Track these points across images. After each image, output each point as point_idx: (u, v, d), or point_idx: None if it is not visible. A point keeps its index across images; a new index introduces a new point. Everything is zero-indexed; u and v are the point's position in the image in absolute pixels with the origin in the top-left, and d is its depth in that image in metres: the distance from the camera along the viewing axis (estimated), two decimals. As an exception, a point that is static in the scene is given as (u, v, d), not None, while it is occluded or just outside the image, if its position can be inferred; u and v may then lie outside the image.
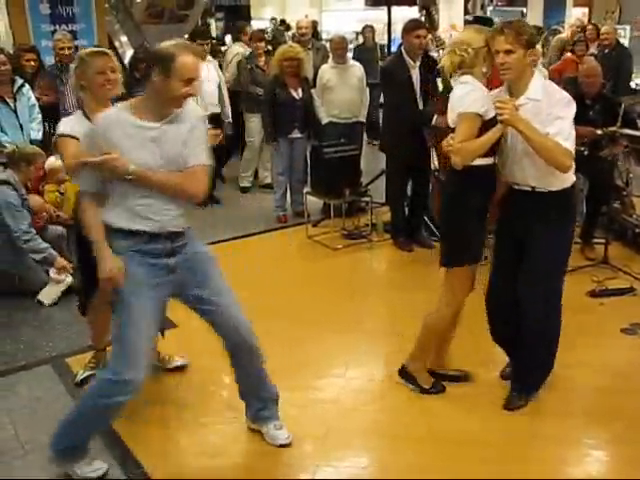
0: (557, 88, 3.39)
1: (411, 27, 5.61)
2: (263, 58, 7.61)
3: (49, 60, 7.07)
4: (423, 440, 3.37)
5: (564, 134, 3.17)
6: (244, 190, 7.96)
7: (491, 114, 3.20)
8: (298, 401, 3.71)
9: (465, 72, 3.31)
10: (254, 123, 7.58)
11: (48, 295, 4.99)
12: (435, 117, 5.43)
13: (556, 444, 3.31)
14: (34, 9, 7.99)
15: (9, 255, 5.03)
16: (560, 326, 3.54)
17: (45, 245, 5.00)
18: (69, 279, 5.01)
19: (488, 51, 3.29)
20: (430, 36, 5.77)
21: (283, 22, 17.54)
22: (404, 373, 3.81)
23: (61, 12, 8.16)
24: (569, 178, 3.33)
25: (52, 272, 5.05)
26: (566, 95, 3.29)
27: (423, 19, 5.88)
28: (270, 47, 8.09)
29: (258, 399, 3.39)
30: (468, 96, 3.24)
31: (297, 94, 6.58)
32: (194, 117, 2.98)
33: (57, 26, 8.02)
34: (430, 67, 5.64)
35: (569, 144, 3.18)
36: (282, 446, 3.33)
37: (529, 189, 3.35)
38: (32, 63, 6.44)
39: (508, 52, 3.16)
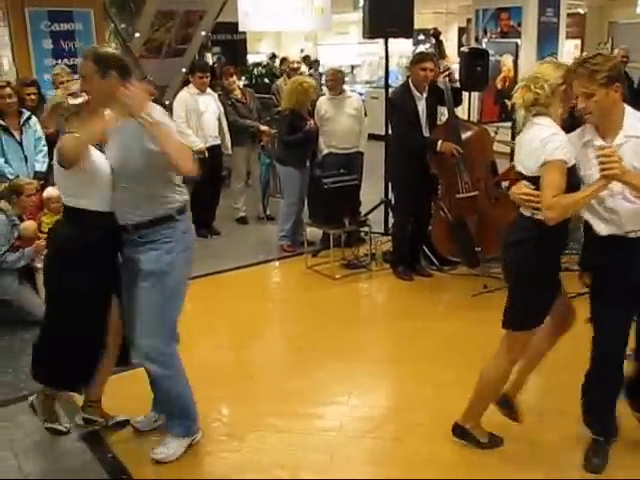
0: None
1: (417, 60, 5.76)
2: (238, 91, 7.71)
3: (51, 94, 7.14)
4: (426, 467, 3.37)
5: None
6: (240, 221, 8.00)
7: (572, 161, 2.94)
8: (301, 428, 3.72)
9: (540, 112, 3.01)
10: (239, 156, 7.69)
11: None
12: (440, 142, 5.52)
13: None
14: (37, 44, 8.13)
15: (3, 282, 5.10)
16: None
17: (16, 254, 5.08)
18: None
19: (565, 89, 2.99)
20: (444, 64, 5.86)
21: (274, 56, 17.75)
22: (459, 431, 3.50)
23: (63, 47, 8.30)
24: None
25: (37, 261, 5.11)
26: None
27: (432, 48, 5.99)
28: (267, 80, 8.21)
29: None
30: (552, 141, 2.91)
31: (311, 124, 6.70)
32: None
33: (59, 60, 8.14)
34: (438, 98, 5.76)
35: None
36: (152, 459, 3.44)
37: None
38: (32, 97, 6.48)
39: (588, 96, 2.87)
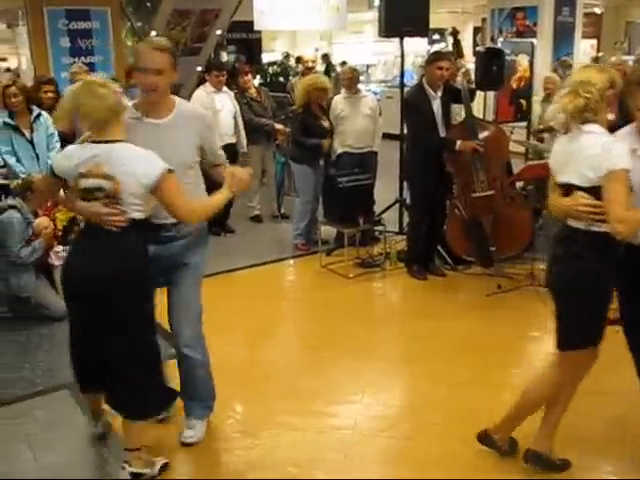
0: None
1: (433, 59, 5.77)
2: (253, 90, 7.73)
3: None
4: (440, 467, 3.37)
5: None
6: (255, 220, 8.02)
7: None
8: (315, 426, 3.73)
9: (589, 119, 2.87)
10: (254, 154, 7.71)
11: None
12: (458, 142, 5.52)
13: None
14: (55, 43, 8.22)
15: (21, 279, 5.15)
16: None
17: (28, 249, 5.10)
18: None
19: (612, 94, 2.92)
20: (460, 64, 5.86)
21: (288, 56, 17.81)
22: (532, 456, 3.29)
23: (80, 45, 8.39)
24: None
25: (54, 259, 5.14)
26: None
27: (447, 47, 6.00)
28: (281, 79, 8.23)
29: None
30: (614, 148, 2.79)
31: (325, 122, 6.71)
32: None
33: (76, 59, 8.24)
34: (453, 97, 5.77)
35: None
36: (183, 444, 3.52)
37: None
38: (50, 94, 6.53)
39: None
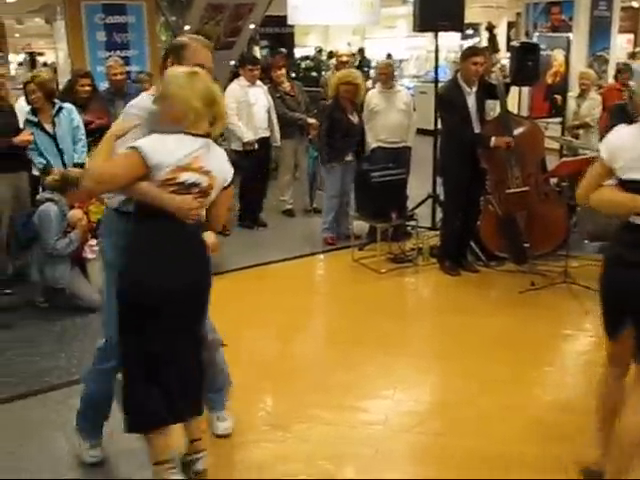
0: None
1: (468, 54, 5.75)
2: (287, 84, 7.74)
3: (103, 85, 7.29)
4: (470, 465, 3.34)
5: None
6: (287, 214, 8.05)
7: None
8: (346, 421, 3.73)
9: None
10: (287, 148, 7.74)
11: None
12: (493, 139, 5.49)
13: None
14: (92, 37, 8.34)
15: (56, 271, 5.23)
16: None
17: (65, 240, 5.16)
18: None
19: None
20: (496, 59, 5.82)
21: (320, 50, 17.83)
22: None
23: (116, 39, 8.49)
24: None
25: (88, 252, 5.20)
26: None
27: (484, 42, 5.97)
28: (314, 73, 8.23)
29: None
30: None
31: (354, 118, 6.69)
32: None
33: (112, 52, 8.32)
34: (488, 92, 5.74)
35: None
36: (219, 436, 3.50)
37: None
38: (86, 88, 6.58)
39: None
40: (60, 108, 5.81)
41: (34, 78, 5.82)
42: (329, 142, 6.70)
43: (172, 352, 2.88)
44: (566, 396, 3.95)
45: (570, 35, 10.91)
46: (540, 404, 3.89)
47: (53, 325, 5.04)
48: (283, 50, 9.27)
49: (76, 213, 5.31)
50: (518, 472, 3.26)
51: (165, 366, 2.88)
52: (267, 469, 3.34)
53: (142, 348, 2.84)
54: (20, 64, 21.06)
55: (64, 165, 5.73)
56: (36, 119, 5.70)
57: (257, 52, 16.79)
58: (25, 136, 5.51)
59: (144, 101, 2.99)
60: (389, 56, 14.16)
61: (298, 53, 18.25)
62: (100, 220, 5.86)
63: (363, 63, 15.05)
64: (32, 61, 19.81)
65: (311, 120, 7.59)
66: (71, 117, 5.89)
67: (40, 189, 5.63)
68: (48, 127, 5.75)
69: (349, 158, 6.81)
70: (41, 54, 21.68)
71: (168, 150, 2.74)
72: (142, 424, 2.95)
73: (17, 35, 22.66)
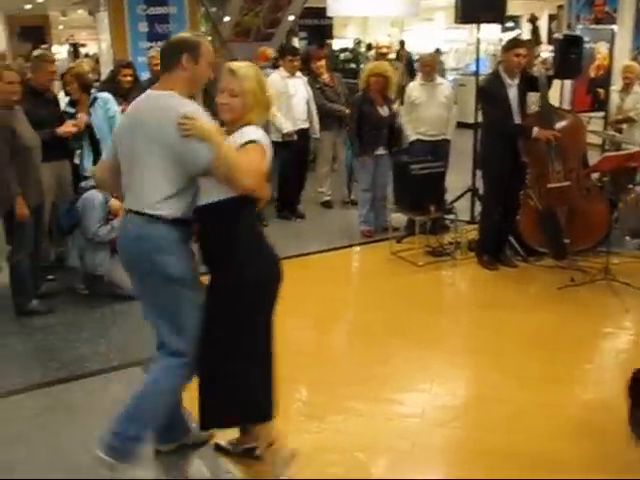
0: None
1: (511, 46, 5.69)
2: (326, 75, 7.72)
3: (145, 76, 7.36)
4: (507, 460, 3.33)
5: None
6: (325, 205, 8.05)
7: None
8: (383, 413, 3.74)
9: None
10: (326, 140, 7.74)
11: None
12: (535, 130, 5.43)
13: None
14: (134, 28, 8.42)
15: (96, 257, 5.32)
16: None
17: (107, 227, 5.24)
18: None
19: None
20: (538, 51, 5.77)
21: (359, 42, 17.78)
22: None
23: (157, 30, 8.56)
24: None
25: None
26: None
27: (525, 34, 5.91)
28: (353, 65, 8.22)
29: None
30: None
31: (383, 111, 6.65)
32: None
33: (154, 43, 8.38)
34: (530, 84, 5.67)
35: None
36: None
37: None
38: (129, 78, 6.65)
39: None
40: (95, 98, 5.88)
41: (70, 69, 5.90)
42: (359, 134, 6.68)
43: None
44: (605, 395, 3.90)
45: (614, 27, 10.72)
46: (579, 402, 3.85)
47: (93, 312, 5.13)
48: (329, 42, 9.29)
49: (115, 203, 5.37)
50: (556, 469, 3.23)
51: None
52: (303, 459, 3.32)
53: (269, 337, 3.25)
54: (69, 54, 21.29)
55: (100, 154, 5.78)
56: (73, 110, 5.78)
57: (296, 43, 16.80)
58: (68, 127, 5.58)
59: None
60: (437, 51, 14.05)
61: (337, 45, 18.21)
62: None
63: (403, 55, 14.95)
64: (75, 52, 20.06)
65: (349, 111, 7.58)
66: (107, 107, 5.92)
67: (83, 179, 5.71)
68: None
69: (381, 152, 6.75)
70: (84, 45, 21.94)
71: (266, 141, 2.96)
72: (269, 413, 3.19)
73: (61, 27, 23.02)
